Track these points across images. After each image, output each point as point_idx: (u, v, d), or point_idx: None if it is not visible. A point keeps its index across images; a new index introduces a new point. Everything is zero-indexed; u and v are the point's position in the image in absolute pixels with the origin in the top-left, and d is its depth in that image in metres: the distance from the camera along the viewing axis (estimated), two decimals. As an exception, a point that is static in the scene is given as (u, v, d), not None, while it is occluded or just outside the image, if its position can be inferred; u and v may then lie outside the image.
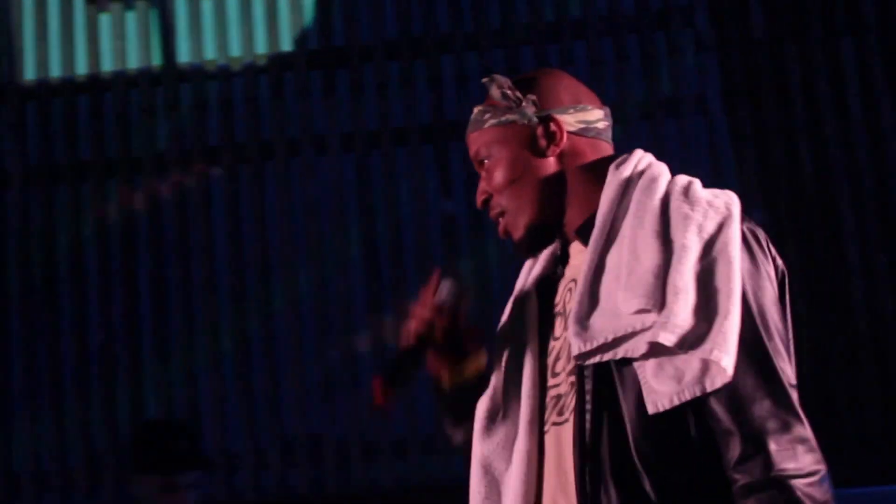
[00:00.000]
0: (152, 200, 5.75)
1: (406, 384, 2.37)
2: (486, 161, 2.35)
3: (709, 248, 2.11)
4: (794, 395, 2.07)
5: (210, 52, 5.89)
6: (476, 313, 2.32)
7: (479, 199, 2.38)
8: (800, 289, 5.41)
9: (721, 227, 2.13)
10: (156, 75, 5.88)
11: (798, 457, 2.02)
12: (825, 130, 5.57)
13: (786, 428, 2.03)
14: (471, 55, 5.81)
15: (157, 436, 4.21)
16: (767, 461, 2.01)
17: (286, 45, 5.90)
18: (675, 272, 2.09)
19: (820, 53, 5.66)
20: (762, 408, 2.04)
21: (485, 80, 2.37)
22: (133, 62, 5.91)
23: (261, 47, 5.88)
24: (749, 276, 2.11)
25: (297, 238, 5.67)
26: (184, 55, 5.92)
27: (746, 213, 2.20)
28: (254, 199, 5.71)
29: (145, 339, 5.62)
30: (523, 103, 2.33)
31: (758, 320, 2.09)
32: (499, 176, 2.33)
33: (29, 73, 5.94)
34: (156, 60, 5.91)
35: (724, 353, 2.02)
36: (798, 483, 2.00)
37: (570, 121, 2.33)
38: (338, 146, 5.74)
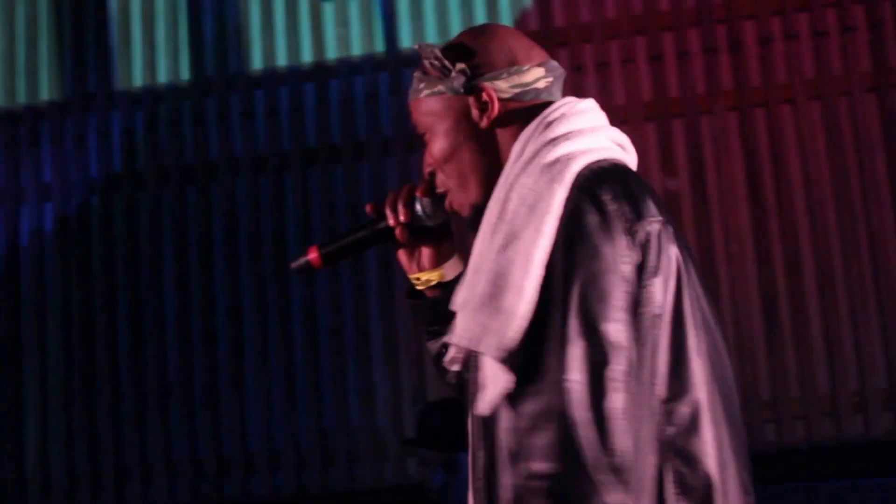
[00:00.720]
0: (378, 184, 5.83)
1: (343, 256, 2.32)
2: (424, 134, 2.22)
3: (517, 232, 1.98)
4: (580, 388, 1.87)
5: (431, 37, 5.94)
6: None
7: (425, 172, 2.25)
8: None
9: (537, 205, 1.98)
10: (379, 61, 5.97)
11: (534, 460, 1.88)
12: None
13: (529, 432, 1.89)
14: (695, 31, 5.75)
15: (440, 415, 4.39)
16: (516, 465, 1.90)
17: (506, 27, 5.90)
18: (480, 264, 2.01)
19: None
20: (523, 409, 1.91)
21: (415, 46, 2.22)
22: (357, 49, 6.01)
23: (481, 31, 5.90)
24: (574, 255, 1.93)
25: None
26: (406, 41, 5.99)
27: None
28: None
29: (374, 324, 5.71)
30: (452, 73, 2.17)
31: (555, 313, 1.92)
32: (436, 151, 2.19)
33: (257, 62, 6.09)
34: (378, 47, 6.00)
35: (497, 349, 1.93)
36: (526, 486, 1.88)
37: (503, 87, 2.15)
38: (559, 127, 5.72)
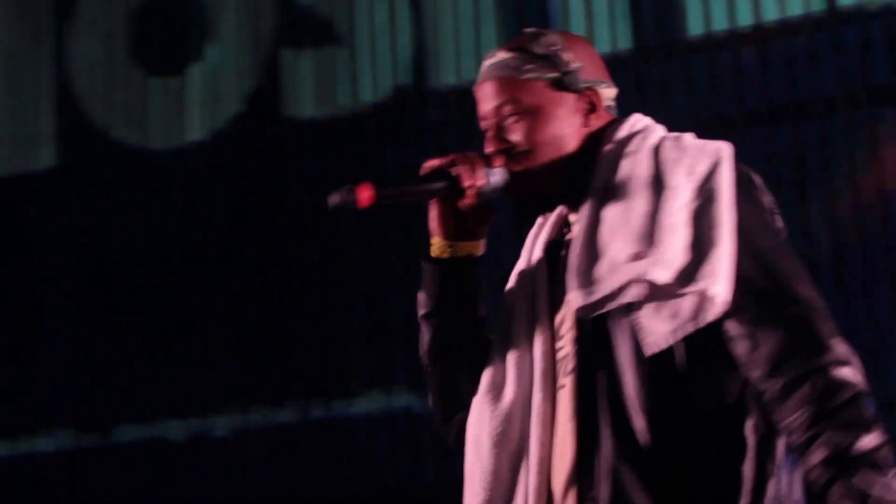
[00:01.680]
0: (822, 144, 5.83)
1: (394, 200, 2.26)
2: (513, 114, 2.27)
3: (700, 188, 2.12)
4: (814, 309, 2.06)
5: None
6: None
7: (495, 148, 2.29)
8: None
9: (713, 169, 2.13)
10: (818, 20, 5.95)
11: (833, 348, 2.01)
12: None
13: (812, 324, 2.04)
14: None
15: None
16: (803, 355, 2.01)
17: (954, -24, 5.78)
18: (664, 212, 2.10)
19: None
20: (787, 316, 2.04)
21: (531, 30, 2.32)
22: (794, 9, 6.00)
23: (928, -19, 5.80)
24: (748, 213, 2.11)
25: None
26: (844, -3, 5.95)
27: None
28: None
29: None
30: (570, 68, 2.28)
31: (767, 252, 2.09)
32: (530, 134, 2.26)
33: (694, 27, 6.17)
34: (816, 6, 5.97)
35: (716, 282, 2.03)
36: (837, 369, 2.00)
37: (606, 95, 2.33)
38: None
